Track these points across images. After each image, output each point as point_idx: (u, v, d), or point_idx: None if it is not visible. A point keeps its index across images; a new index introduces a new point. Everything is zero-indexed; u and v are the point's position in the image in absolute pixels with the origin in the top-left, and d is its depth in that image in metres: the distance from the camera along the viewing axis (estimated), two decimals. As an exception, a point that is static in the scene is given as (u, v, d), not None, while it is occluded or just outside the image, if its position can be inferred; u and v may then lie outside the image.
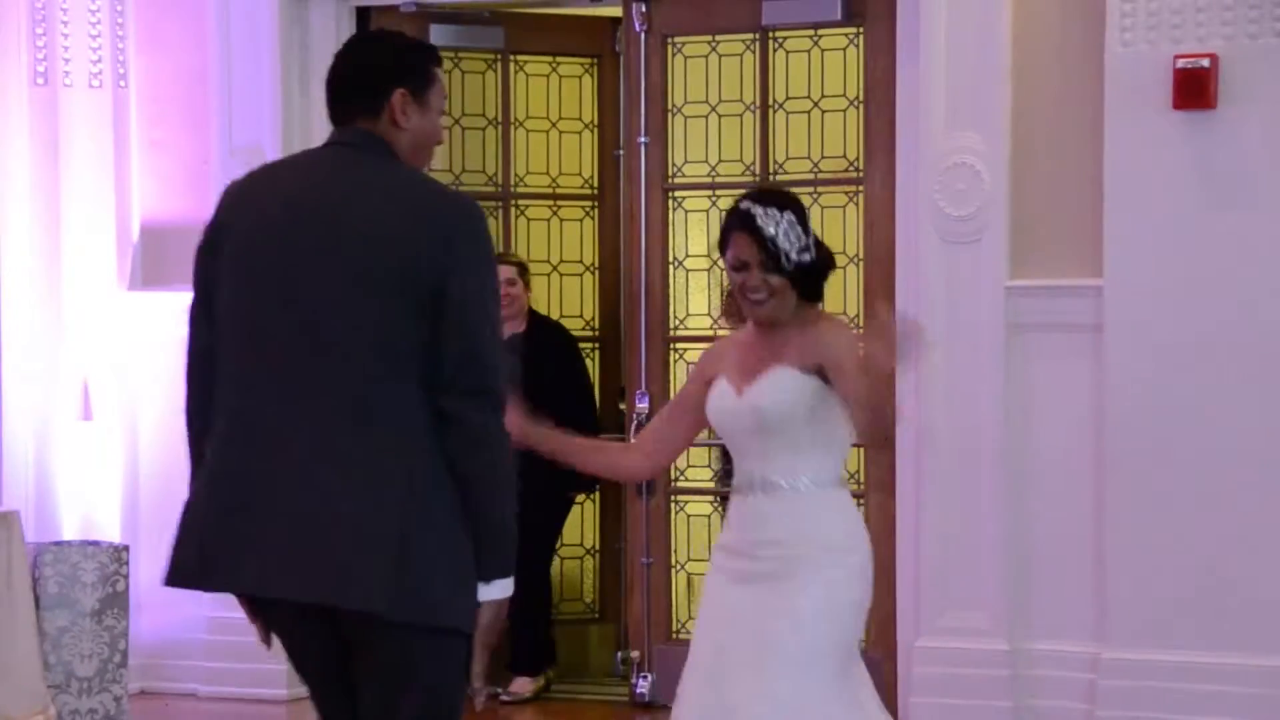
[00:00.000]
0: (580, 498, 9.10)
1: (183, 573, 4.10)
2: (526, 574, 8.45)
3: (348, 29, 8.88)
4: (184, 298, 8.93)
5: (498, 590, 4.00)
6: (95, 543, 8.19)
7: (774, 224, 5.02)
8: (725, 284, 5.24)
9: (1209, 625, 7.47)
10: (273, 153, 8.73)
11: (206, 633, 8.68)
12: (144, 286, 8.93)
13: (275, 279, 4.00)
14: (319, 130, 8.60)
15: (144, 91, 9.02)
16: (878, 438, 5.19)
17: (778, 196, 5.18)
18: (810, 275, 5.08)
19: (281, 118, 8.79)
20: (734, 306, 5.18)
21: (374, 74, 4.11)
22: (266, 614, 4.13)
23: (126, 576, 8.22)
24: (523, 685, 8.76)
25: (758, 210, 5.05)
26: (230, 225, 4.12)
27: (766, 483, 5.04)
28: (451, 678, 4.03)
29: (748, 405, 5.04)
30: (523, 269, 8.81)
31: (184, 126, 8.99)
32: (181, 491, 9.19)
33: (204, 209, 8.65)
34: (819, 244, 5.13)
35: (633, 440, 5.58)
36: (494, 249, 4.12)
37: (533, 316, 8.86)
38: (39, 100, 8.78)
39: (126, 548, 8.33)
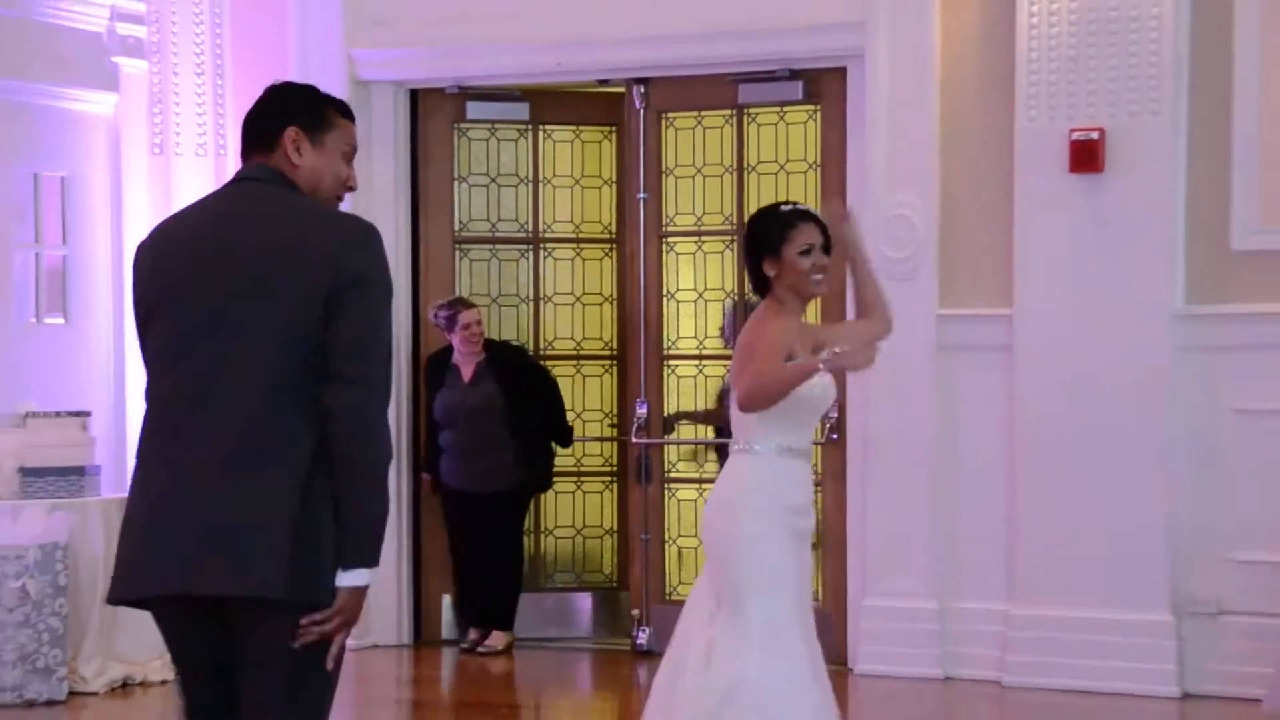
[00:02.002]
0: (598, 487, 9.13)
1: (115, 592, 3.68)
2: (500, 544, 8.55)
3: (404, 107, 8.96)
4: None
5: (360, 578, 3.56)
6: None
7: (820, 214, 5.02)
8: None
9: (1094, 586, 7.58)
10: (342, 205, 8.94)
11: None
12: None
13: (181, 307, 3.62)
14: (379, 188, 8.96)
15: (240, 159, 9.13)
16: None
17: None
18: None
19: (349, 178, 8.93)
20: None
21: (271, 113, 3.76)
22: (158, 613, 3.69)
23: None
24: (498, 639, 8.65)
25: (802, 206, 5.04)
26: (147, 280, 3.72)
27: (807, 452, 5.07)
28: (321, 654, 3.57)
29: (831, 384, 4.96)
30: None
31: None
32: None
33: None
34: None
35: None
36: (384, 265, 3.65)
37: (488, 344, 8.73)
38: (156, 166, 8.90)
39: None
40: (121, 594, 3.65)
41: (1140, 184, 7.60)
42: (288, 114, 3.74)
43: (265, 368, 3.56)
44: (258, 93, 10.03)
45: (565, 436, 8.85)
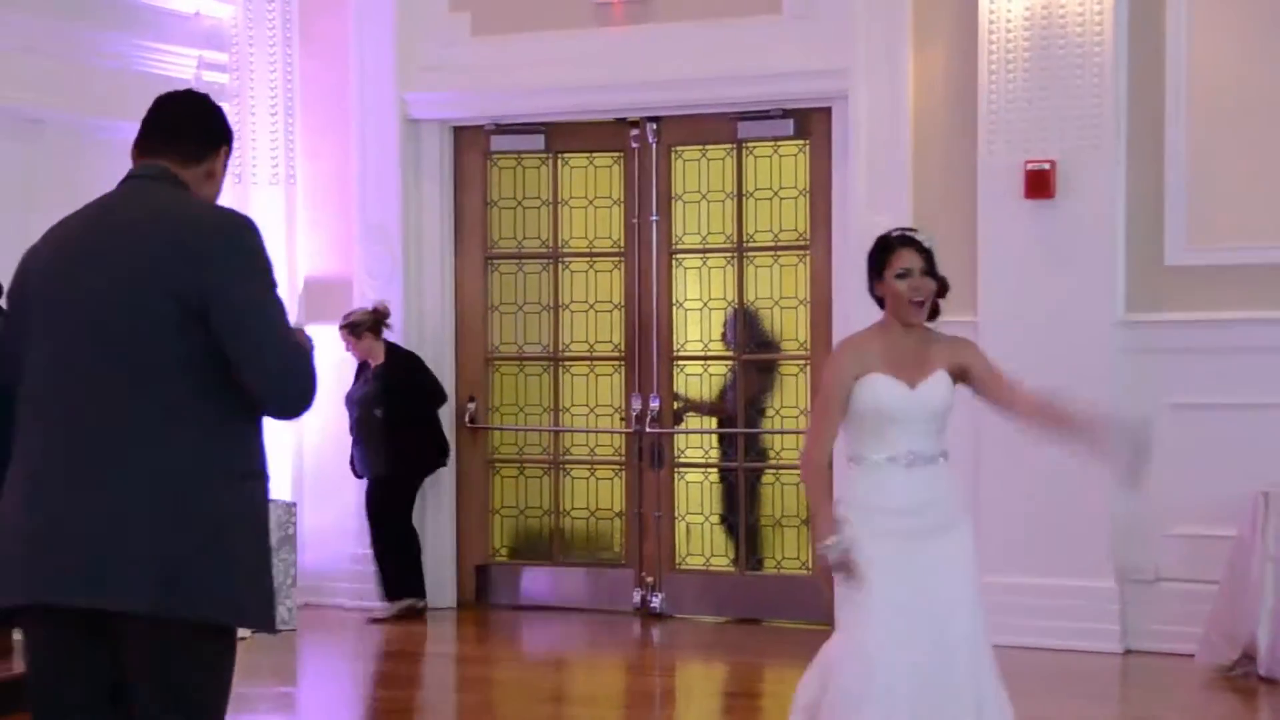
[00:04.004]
0: (608, 474, 8.98)
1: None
2: (393, 523, 8.52)
3: (449, 142, 8.98)
4: (336, 330, 9.14)
5: None
6: (274, 501, 8.13)
7: (927, 240, 4.60)
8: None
9: (1046, 557, 7.53)
10: (395, 228, 8.90)
11: (350, 564, 8.78)
12: (307, 322, 8.82)
13: (60, 313, 3.15)
14: (427, 213, 8.94)
15: (306, 186, 9.08)
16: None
17: (924, 229, 4.72)
18: (940, 292, 4.62)
19: (400, 203, 8.84)
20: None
21: (207, 126, 3.33)
22: (34, 630, 3.16)
23: (295, 524, 8.27)
24: (384, 610, 8.47)
25: (911, 232, 4.62)
26: (27, 277, 3.27)
27: (929, 456, 4.56)
28: (221, 671, 3.17)
29: (924, 397, 4.54)
30: (370, 322, 8.52)
31: (333, 211, 9.04)
32: (334, 466, 9.40)
33: (348, 268, 8.99)
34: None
35: (814, 458, 4.67)
36: (264, 257, 3.19)
37: (389, 348, 8.57)
38: (236, 194, 8.77)
39: (294, 504, 8.41)
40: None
41: (1086, 208, 7.60)
42: (222, 135, 3.37)
43: (139, 377, 3.08)
44: (321, 130, 10.09)
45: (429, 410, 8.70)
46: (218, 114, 3.39)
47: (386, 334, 8.69)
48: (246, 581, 3.12)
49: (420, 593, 8.67)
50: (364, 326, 8.58)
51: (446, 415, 8.99)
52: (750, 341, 8.64)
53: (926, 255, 4.54)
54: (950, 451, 4.66)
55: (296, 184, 9.07)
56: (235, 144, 9.06)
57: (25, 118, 7.94)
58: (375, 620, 8.43)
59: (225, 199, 9.21)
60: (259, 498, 3.24)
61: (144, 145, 3.30)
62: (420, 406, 8.62)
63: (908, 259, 4.54)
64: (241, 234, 3.17)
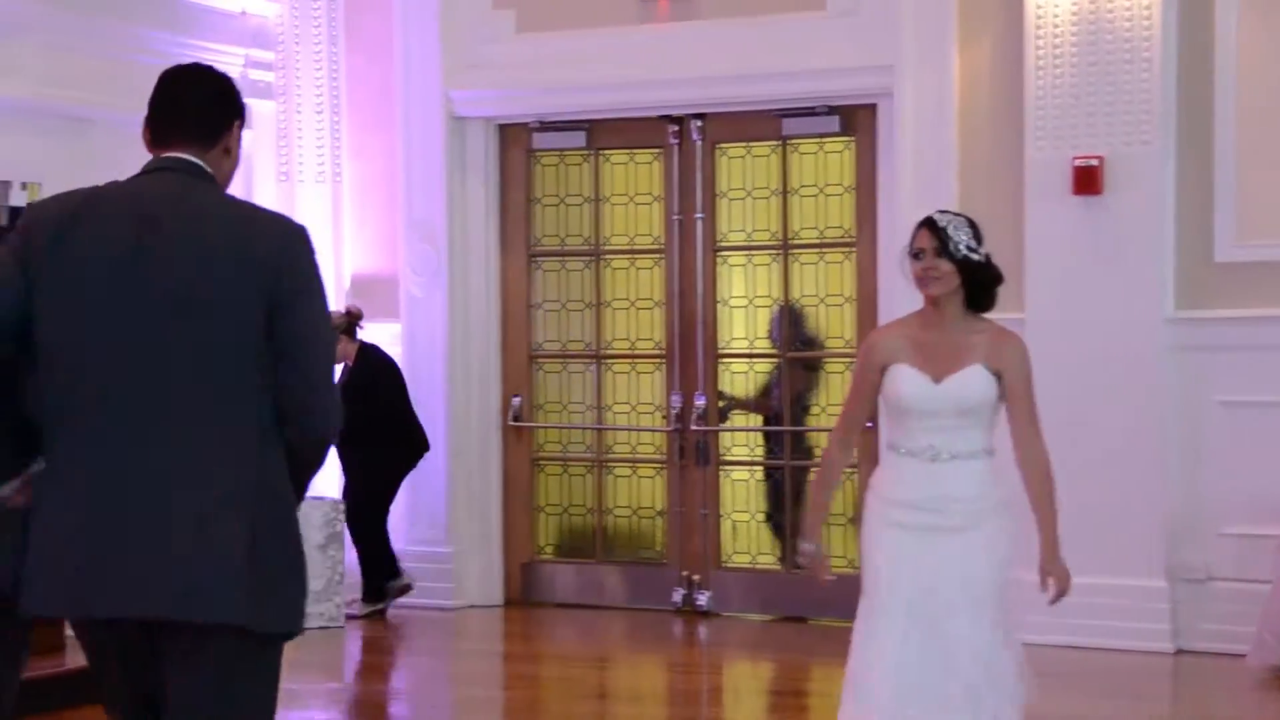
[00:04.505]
0: (650, 472, 8.94)
1: (45, 601, 3.07)
2: (369, 531, 8.41)
3: (495, 140, 8.95)
4: (382, 328, 9.19)
5: None
6: (320, 498, 8.13)
7: (948, 222, 4.48)
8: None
9: (1097, 557, 7.26)
10: (440, 226, 8.87)
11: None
12: None
13: (113, 310, 2.99)
14: (472, 211, 8.92)
15: (352, 184, 9.08)
16: (1039, 455, 4.53)
17: (960, 213, 4.63)
18: (978, 278, 4.47)
19: (445, 201, 8.81)
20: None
21: (220, 105, 3.17)
22: (96, 633, 3.10)
23: (341, 522, 8.30)
24: (359, 608, 8.40)
25: (937, 214, 4.55)
26: (56, 254, 3.03)
27: (956, 453, 4.41)
28: (275, 678, 3.15)
29: (949, 392, 4.41)
30: (344, 324, 8.31)
31: (379, 208, 9.04)
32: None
33: (394, 266, 8.98)
34: (989, 259, 4.51)
35: (827, 465, 4.79)
36: (314, 262, 3.12)
37: (360, 352, 8.43)
38: (282, 191, 8.84)
39: (340, 502, 8.38)
40: (55, 608, 3.11)
41: (1135, 204, 7.52)
42: (234, 109, 3.20)
43: (201, 374, 2.98)
44: (368, 129, 10.08)
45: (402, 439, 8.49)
46: (227, 88, 3.23)
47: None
48: (303, 589, 3.14)
49: (396, 574, 8.54)
50: (338, 330, 8.44)
51: (491, 413, 8.98)
52: (795, 339, 8.60)
53: (940, 235, 4.45)
54: (979, 449, 4.45)
55: (343, 182, 9.07)
56: (281, 142, 9.07)
57: (73, 116, 7.96)
58: (351, 617, 8.32)
59: (273, 198, 9.31)
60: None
61: (157, 131, 3.16)
62: (383, 415, 8.34)
63: (921, 238, 4.50)
64: (308, 244, 3.11)
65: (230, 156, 3.19)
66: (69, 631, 7.15)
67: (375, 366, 8.48)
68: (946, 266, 4.44)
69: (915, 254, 4.49)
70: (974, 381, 4.42)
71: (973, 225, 4.53)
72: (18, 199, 7.62)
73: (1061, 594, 4.47)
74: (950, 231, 4.46)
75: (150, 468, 2.97)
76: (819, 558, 4.67)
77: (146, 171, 3.14)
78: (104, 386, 3.00)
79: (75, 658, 6.89)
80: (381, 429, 8.38)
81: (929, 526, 4.41)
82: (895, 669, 4.38)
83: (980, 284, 4.47)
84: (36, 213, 3.14)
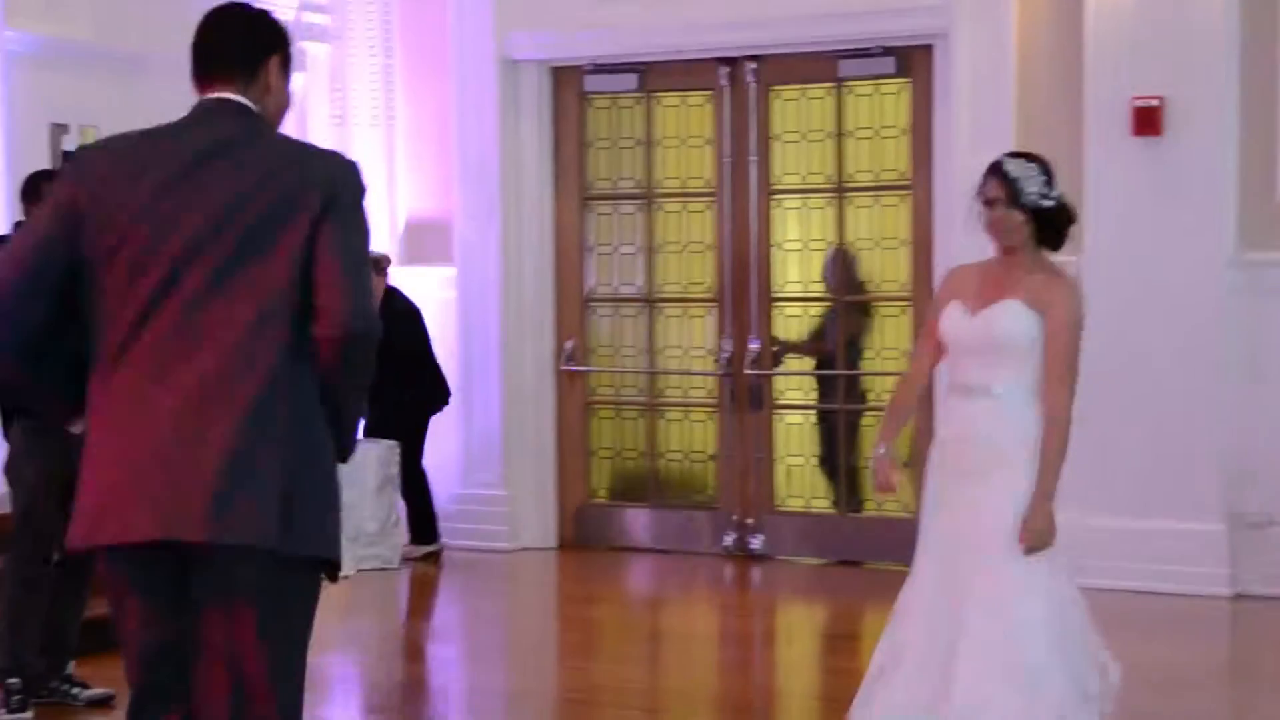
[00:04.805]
0: (701, 417, 8.93)
1: (76, 535, 3.08)
2: (409, 471, 8.32)
3: (548, 83, 8.90)
4: (436, 271, 9.23)
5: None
6: (376, 441, 8.05)
7: (1020, 172, 4.37)
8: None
9: (1156, 500, 7.37)
10: (494, 169, 8.83)
11: (454, 504, 8.77)
12: (407, 263, 8.98)
13: (156, 246, 3.00)
14: (526, 155, 8.88)
15: (407, 127, 9.06)
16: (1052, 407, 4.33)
17: (1030, 154, 4.50)
18: (1049, 221, 4.37)
19: (499, 144, 8.75)
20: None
21: (253, 41, 3.15)
22: (121, 568, 3.08)
23: (398, 464, 8.20)
24: (412, 550, 8.38)
25: (1006, 159, 4.45)
26: (103, 191, 3.05)
27: (989, 389, 4.33)
28: (308, 608, 3.14)
29: (978, 325, 4.34)
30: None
31: (434, 150, 8.99)
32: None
33: (448, 210, 8.97)
34: (1062, 201, 4.40)
35: (905, 374, 4.76)
36: (361, 190, 3.11)
37: (386, 296, 8.31)
38: (337, 135, 8.81)
39: (397, 444, 8.29)
40: (97, 537, 3.05)
41: (1196, 145, 7.41)
42: (271, 43, 3.17)
43: (241, 306, 2.98)
44: (421, 72, 10.07)
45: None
46: (260, 23, 3.20)
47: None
48: (335, 518, 3.12)
49: (433, 539, 8.55)
50: None
51: (545, 357, 8.98)
52: (848, 282, 8.54)
53: (1011, 185, 4.34)
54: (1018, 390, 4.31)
55: (396, 125, 9.06)
56: (335, 85, 9.01)
57: (127, 58, 7.98)
58: (406, 560, 8.32)
59: (327, 141, 9.33)
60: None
61: (198, 72, 3.16)
62: (399, 359, 8.10)
63: (991, 188, 4.40)
64: (358, 177, 3.10)
65: (271, 94, 3.15)
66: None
67: (395, 310, 8.39)
68: (1018, 217, 4.36)
69: (987, 202, 4.40)
70: (1004, 316, 4.32)
71: (1044, 168, 4.43)
72: (71, 143, 7.66)
73: (1031, 549, 4.26)
74: (1022, 182, 4.36)
75: (185, 397, 2.97)
76: (886, 459, 4.53)
77: (193, 114, 3.15)
78: (144, 318, 3.01)
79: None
80: (397, 373, 8.34)
81: (963, 470, 4.33)
82: (924, 615, 4.34)
83: (1052, 225, 4.40)
84: (84, 157, 3.16)
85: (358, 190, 3.08)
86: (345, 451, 3.15)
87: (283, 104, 3.20)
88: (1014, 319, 4.30)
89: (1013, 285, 4.33)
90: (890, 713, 4.38)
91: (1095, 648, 4.36)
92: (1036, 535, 4.26)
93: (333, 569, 3.12)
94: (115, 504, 3.00)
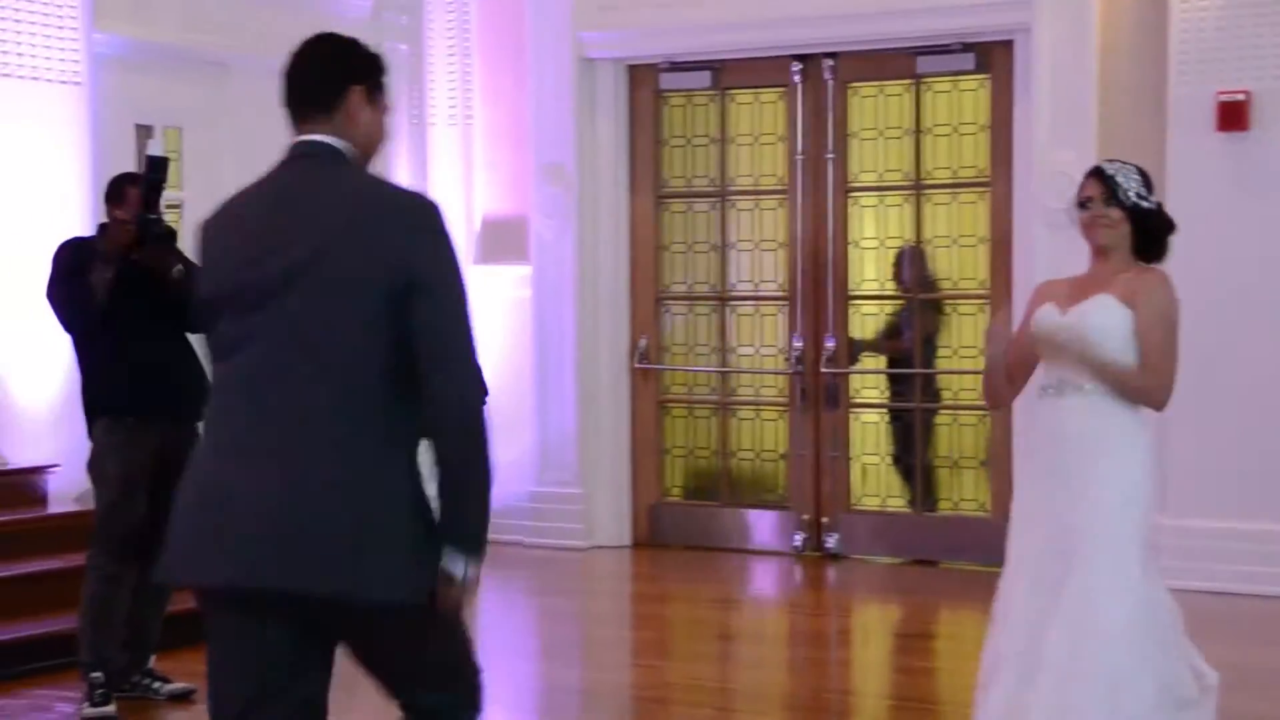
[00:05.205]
0: (773, 415, 8.87)
1: (169, 568, 3.04)
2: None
3: (624, 81, 8.92)
4: (512, 270, 9.28)
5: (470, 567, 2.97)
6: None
7: (1117, 170, 4.31)
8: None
9: (1242, 501, 7.29)
10: (570, 168, 8.79)
11: (529, 502, 8.80)
12: (484, 262, 9.01)
13: (251, 296, 2.97)
14: (603, 153, 8.91)
15: (484, 127, 9.09)
16: (1145, 401, 4.24)
17: (1128, 162, 4.40)
18: (1147, 226, 4.30)
19: (575, 143, 8.80)
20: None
21: (332, 72, 3.07)
22: (226, 610, 3.00)
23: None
24: None
25: (1105, 163, 4.39)
26: (211, 258, 3.09)
27: (1079, 385, 4.23)
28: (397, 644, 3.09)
29: (1069, 320, 4.25)
30: None
31: (510, 150, 9.03)
32: (511, 404, 9.39)
33: (524, 208, 8.99)
34: (1160, 207, 4.34)
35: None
36: (448, 244, 2.98)
37: None
38: (414, 135, 8.89)
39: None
40: (177, 575, 3.06)
41: (1281, 141, 7.28)
42: (350, 73, 3.07)
43: (328, 361, 2.91)
44: (498, 71, 10.15)
45: None
46: (342, 53, 3.11)
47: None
48: (401, 558, 2.98)
49: None
50: None
51: (620, 355, 8.98)
52: (918, 280, 8.47)
53: (1108, 182, 4.27)
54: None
55: (474, 125, 9.10)
56: (413, 85, 9.06)
57: (213, 60, 8.06)
58: None
59: (405, 141, 9.34)
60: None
61: (290, 109, 3.10)
62: None
63: (1088, 188, 4.32)
64: (435, 225, 2.97)
65: (354, 124, 3.05)
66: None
67: None
68: (1116, 214, 4.29)
69: (1082, 203, 4.33)
70: (1097, 310, 4.24)
71: (1142, 174, 4.36)
72: (156, 146, 7.74)
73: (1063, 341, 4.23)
74: (1119, 179, 4.30)
75: (265, 446, 2.93)
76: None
77: (282, 160, 3.09)
78: (236, 369, 3.00)
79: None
80: None
81: (1054, 469, 4.25)
82: (1018, 622, 4.26)
83: (1151, 232, 4.31)
84: (206, 220, 3.17)
85: (436, 243, 2.95)
86: (466, 539, 2.97)
87: (373, 136, 3.10)
88: (1107, 313, 4.23)
89: (1105, 284, 4.28)
90: None
91: (1189, 652, 4.28)
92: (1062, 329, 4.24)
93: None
94: (194, 543, 3.02)
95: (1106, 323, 4.22)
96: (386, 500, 2.92)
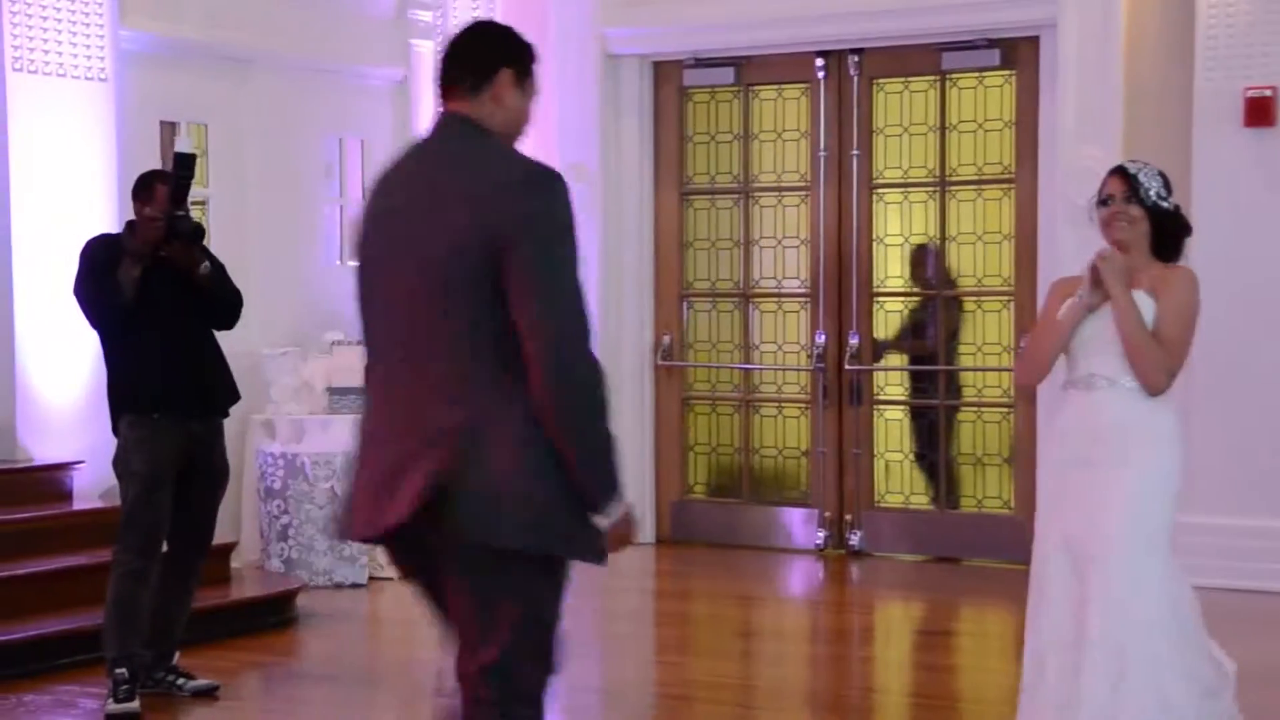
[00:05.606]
0: (795, 413, 8.86)
1: (338, 528, 3.30)
2: None
3: (648, 78, 8.91)
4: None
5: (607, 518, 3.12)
6: None
7: (1139, 170, 4.35)
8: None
9: (1266, 498, 7.25)
10: (595, 165, 8.75)
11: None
12: None
13: (389, 259, 3.13)
14: (626, 150, 8.89)
15: (440, 94, 9.12)
16: (1146, 377, 4.24)
17: (1151, 164, 4.41)
18: (1165, 226, 4.33)
19: (599, 140, 8.79)
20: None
21: (484, 54, 3.20)
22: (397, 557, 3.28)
23: None
24: None
25: (1127, 162, 4.44)
26: (364, 216, 3.27)
27: (1111, 378, 4.26)
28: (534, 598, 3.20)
29: (1105, 314, 4.25)
30: None
31: (533, 147, 8.97)
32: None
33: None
34: (1179, 209, 4.37)
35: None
36: (561, 207, 3.04)
37: None
38: (438, 130, 8.94)
39: None
40: (340, 534, 3.29)
41: (1309, 137, 7.22)
42: (501, 57, 3.21)
43: (458, 321, 3.03)
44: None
45: None
46: (492, 39, 3.26)
47: None
48: (544, 516, 3.11)
49: None
50: None
51: (644, 351, 8.96)
52: (934, 277, 8.43)
53: (1130, 181, 4.31)
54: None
55: (497, 121, 9.08)
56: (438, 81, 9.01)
57: (238, 57, 8.06)
58: None
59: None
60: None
61: (441, 85, 3.25)
62: None
63: (1110, 185, 4.36)
64: (549, 192, 3.04)
65: (501, 105, 3.17)
66: (234, 564, 7.36)
67: None
68: (1136, 211, 4.32)
69: (1103, 200, 4.36)
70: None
71: (1163, 176, 4.39)
72: (184, 145, 7.74)
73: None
74: (1141, 178, 4.34)
75: (411, 408, 3.07)
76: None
77: (429, 131, 3.24)
78: (378, 332, 3.19)
79: (240, 590, 7.06)
80: None
81: (1086, 460, 4.24)
82: (1054, 620, 4.26)
83: (1168, 233, 4.34)
84: (374, 182, 3.33)
85: (548, 208, 3.03)
86: (593, 497, 3.08)
87: (515, 118, 3.21)
88: (1141, 308, 4.24)
89: (1135, 276, 4.28)
90: None
91: (1209, 643, 4.31)
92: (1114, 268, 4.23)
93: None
94: (361, 501, 3.18)
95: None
96: (545, 466, 3.02)
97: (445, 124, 3.19)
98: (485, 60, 3.19)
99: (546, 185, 3.05)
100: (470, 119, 3.16)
